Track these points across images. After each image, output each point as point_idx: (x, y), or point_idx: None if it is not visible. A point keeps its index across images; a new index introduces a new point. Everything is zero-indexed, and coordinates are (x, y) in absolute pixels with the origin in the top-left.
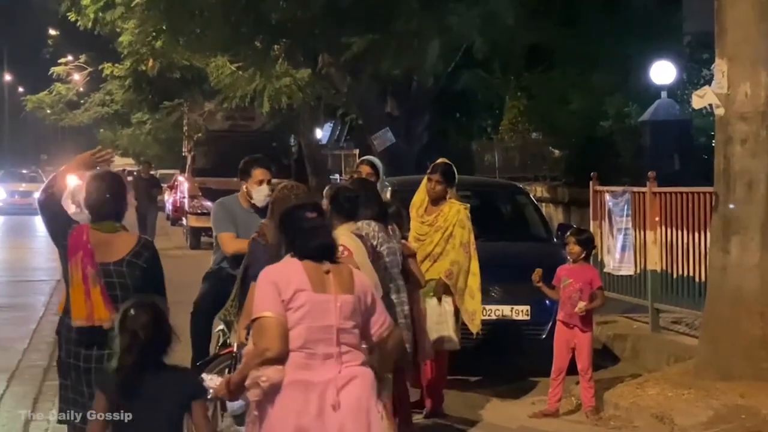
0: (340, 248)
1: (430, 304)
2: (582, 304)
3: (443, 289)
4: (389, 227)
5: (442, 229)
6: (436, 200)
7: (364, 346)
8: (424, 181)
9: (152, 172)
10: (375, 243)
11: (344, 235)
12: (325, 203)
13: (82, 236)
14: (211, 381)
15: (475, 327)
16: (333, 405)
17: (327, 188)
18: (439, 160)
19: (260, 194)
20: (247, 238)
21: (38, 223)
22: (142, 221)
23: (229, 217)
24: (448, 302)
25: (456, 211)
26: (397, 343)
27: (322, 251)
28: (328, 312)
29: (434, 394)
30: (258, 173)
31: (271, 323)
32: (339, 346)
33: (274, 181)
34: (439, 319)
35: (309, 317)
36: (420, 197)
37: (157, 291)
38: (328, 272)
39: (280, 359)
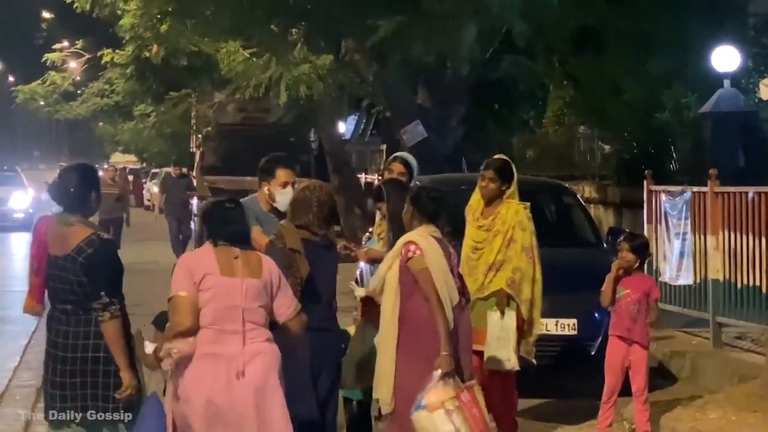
0: (411, 247)
1: (492, 318)
2: (623, 291)
3: (506, 301)
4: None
5: (502, 233)
6: (491, 200)
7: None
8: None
9: (184, 171)
10: None
11: (420, 235)
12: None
13: (41, 230)
14: (147, 347)
15: (533, 337)
16: (237, 374)
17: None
18: (495, 156)
19: (284, 198)
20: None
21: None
22: (176, 228)
23: (252, 215)
24: (510, 317)
25: (515, 212)
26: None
27: (232, 236)
28: (235, 293)
29: (504, 422)
30: (282, 174)
31: (183, 301)
32: (244, 324)
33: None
34: (500, 335)
35: (217, 298)
36: (476, 198)
37: (101, 289)
38: (236, 258)
39: (191, 333)
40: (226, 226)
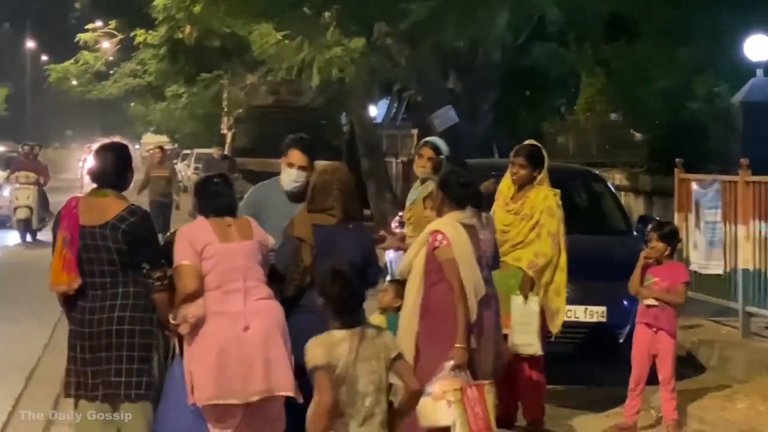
0: (438, 236)
1: (515, 302)
2: (648, 292)
3: (530, 285)
4: (483, 215)
5: (528, 217)
6: (522, 186)
7: None
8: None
9: (225, 153)
10: None
11: (448, 224)
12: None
13: (72, 204)
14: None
15: (555, 327)
16: (245, 327)
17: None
18: (526, 142)
19: (287, 177)
20: (281, 225)
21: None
22: None
23: (253, 207)
24: (534, 301)
25: (544, 197)
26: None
27: (221, 209)
28: (234, 256)
29: (531, 406)
30: (292, 154)
31: (186, 268)
32: (245, 282)
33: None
34: (523, 320)
35: (220, 263)
36: (506, 183)
37: (144, 258)
38: (230, 225)
39: (196, 296)
40: (214, 199)
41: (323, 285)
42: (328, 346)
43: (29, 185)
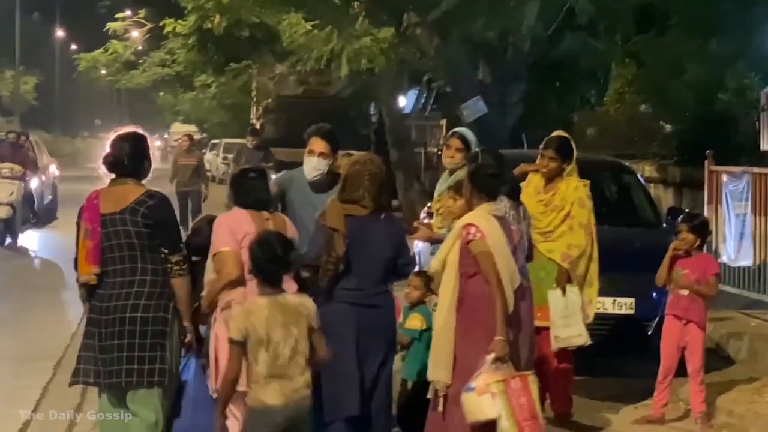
0: (472, 229)
1: (553, 296)
2: (681, 272)
3: (566, 278)
4: (520, 207)
5: (559, 209)
6: (551, 178)
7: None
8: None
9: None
10: None
11: (480, 216)
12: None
13: (92, 196)
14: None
15: (587, 318)
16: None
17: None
18: (554, 134)
19: (308, 165)
20: (301, 214)
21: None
22: None
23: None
24: (575, 292)
25: (574, 188)
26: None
27: (257, 204)
28: None
29: (559, 397)
30: (313, 142)
31: (229, 254)
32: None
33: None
34: (565, 312)
35: None
36: (536, 174)
37: (163, 242)
38: (268, 219)
39: (239, 283)
40: (250, 194)
41: (249, 250)
42: (248, 316)
43: (13, 180)
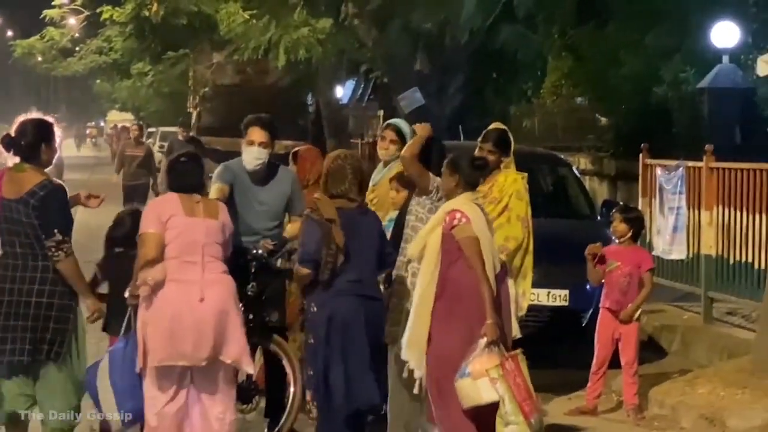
0: (457, 215)
1: None
2: (631, 308)
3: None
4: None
5: (496, 201)
6: (490, 171)
7: None
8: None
9: (192, 134)
10: None
11: (464, 203)
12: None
13: (1, 175)
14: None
15: (520, 310)
16: (200, 298)
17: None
18: (492, 126)
19: (249, 156)
20: (245, 206)
21: None
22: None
23: (231, 175)
24: (508, 285)
25: (512, 181)
26: None
27: (189, 187)
28: (196, 231)
29: None
30: (252, 132)
31: (151, 237)
32: (203, 257)
33: (286, 143)
34: None
35: (181, 234)
36: None
37: (50, 231)
38: (198, 202)
39: (156, 262)
40: (181, 178)
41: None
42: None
43: None
